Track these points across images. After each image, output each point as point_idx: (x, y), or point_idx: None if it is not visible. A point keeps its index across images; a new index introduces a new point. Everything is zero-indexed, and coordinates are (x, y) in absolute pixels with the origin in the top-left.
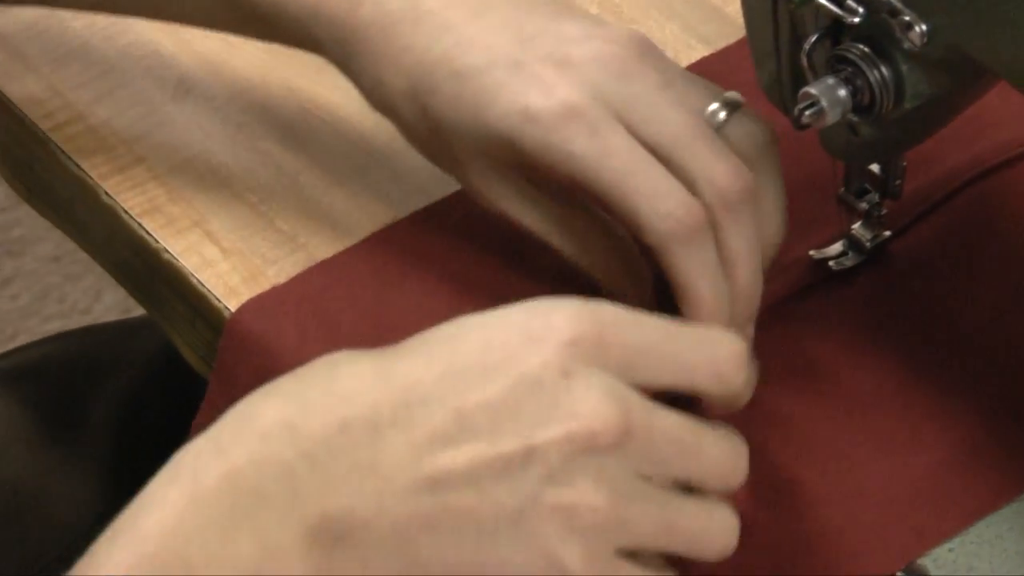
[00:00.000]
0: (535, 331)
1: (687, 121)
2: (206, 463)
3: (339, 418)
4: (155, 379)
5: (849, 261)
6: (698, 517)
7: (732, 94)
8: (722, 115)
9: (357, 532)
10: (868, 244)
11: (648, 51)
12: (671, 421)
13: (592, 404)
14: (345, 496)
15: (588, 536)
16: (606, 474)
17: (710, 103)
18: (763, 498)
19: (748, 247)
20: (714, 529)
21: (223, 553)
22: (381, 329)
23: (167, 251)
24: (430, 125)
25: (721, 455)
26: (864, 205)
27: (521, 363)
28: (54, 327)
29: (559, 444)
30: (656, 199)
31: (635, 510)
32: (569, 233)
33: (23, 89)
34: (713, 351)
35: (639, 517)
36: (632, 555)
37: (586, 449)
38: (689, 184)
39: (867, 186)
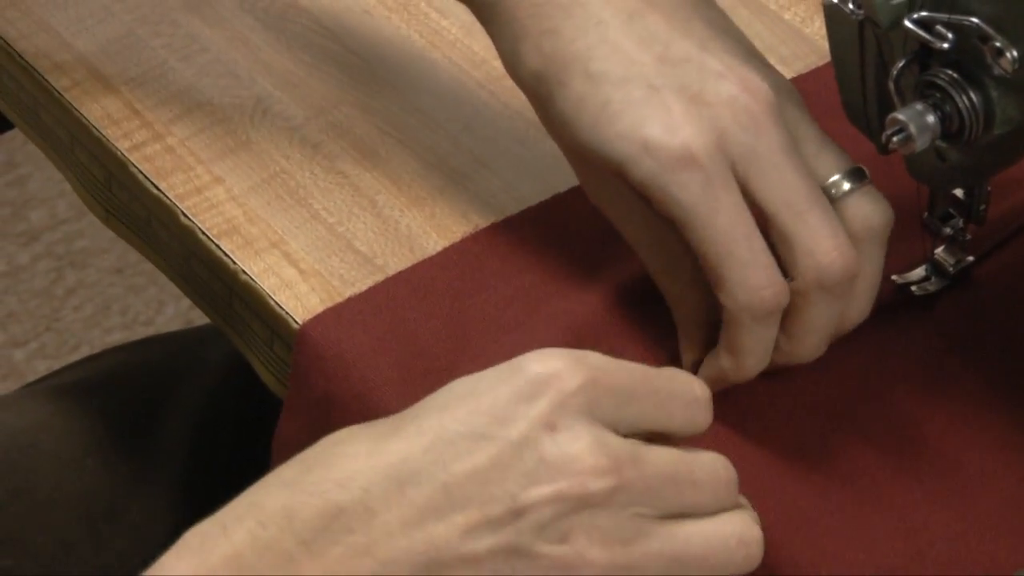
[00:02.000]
0: (522, 389)
1: (803, 188)
2: (212, 543)
3: (334, 504)
4: (228, 387)
5: (932, 286)
6: (708, 540)
7: (858, 167)
8: (845, 186)
9: None
10: (951, 269)
11: (785, 102)
12: (661, 457)
13: (580, 458)
14: None
15: None
16: (600, 525)
17: (836, 171)
18: (831, 530)
19: (824, 325)
20: (730, 546)
21: None
22: (455, 341)
23: (245, 272)
24: (551, 112)
25: (713, 478)
26: (948, 230)
27: (508, 425)
28: (116, 339)
29: (550, 502)
30: (747, 270)
31: (636, 553)
32: (660, 253)
33: (101, 109)
34: (686, 398)
35: (642, 559)
36: None
37: (578, 505)
38: (789, 252)
39: (951, 211)
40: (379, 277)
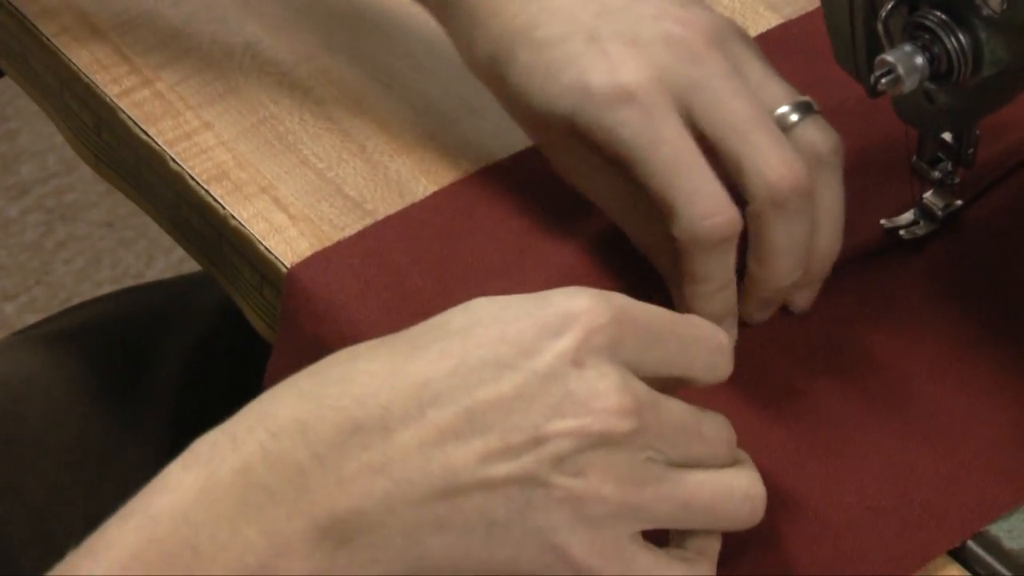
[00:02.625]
0: (549, 323)
1: (747, 111)
2: (221, 455)
3: (351, 420)
4: (218, 333)
5: (920, 230)
6: (715, 490)
7: (806, 98)
8: (793, 117)
9: (365, 533)
10: (940, 213)
11: (728, 38)
12: (675, 408)
13: (606, 396)
14: (355, 498)
15: (597, 526)
16: (616, 464)
17: (783, 102)
18: (818, 471)
19: (791, 242)
20: (735, 498)
21: (230, 544)
22: (444, 284)
23: (234, 217)
24: (506, 90)
25: (717, 435)
26: (937, 174)
27: (534, 357)
28: (107, 291)
29: (571, 435)
30: (693, 198)
31: (648, 494)
32: (628, 209)
33: (90, 55)
34: (709, 344)
35: (652, 501)
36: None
37: (598, 442)
38: (739, 175)
39: (940, 154)
40: (369, 222)
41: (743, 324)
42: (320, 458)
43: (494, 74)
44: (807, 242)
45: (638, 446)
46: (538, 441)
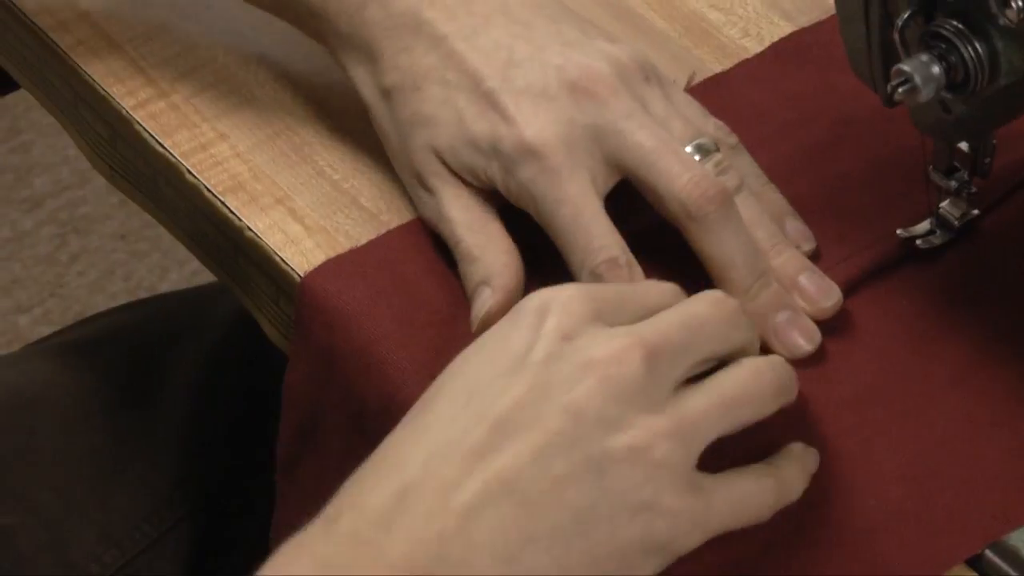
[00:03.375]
0: (529, 322)
1: (652, 142)
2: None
3: (398, 485)
4: (230, 344)
5: (937, 239)
6: (746, 381)
7: (705, 139)
8: (696, 158)
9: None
10: (956, 222)
11: (631, 77)
12: (666, 318)
13: (606, 347)
14: (431, 543)
15: (668, 464)
16: (650, 401)
17: (685, 138)
18: (840, 475)
19: (729, 250)
20: (769, 380)
21: None
22: (457, 293)
23: (250, 229)
24: (404, 115)
25: (721, 320)
26: (953, 183)
27: (530, 352)
28: (120, 304)
29: (597, 394)
30: (586, 251)
31: (692, 412)
32: (467, 243)
33: (106, 67)
34: (666, 290)
35: (699, 417)
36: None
37: (623, 388)
38: (657, 202)
39: (956, 164)
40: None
41: None
42: (382, 527)
43: (393, 100)
44: (747, 245)
45: (659, 374)
46: (573, 415)
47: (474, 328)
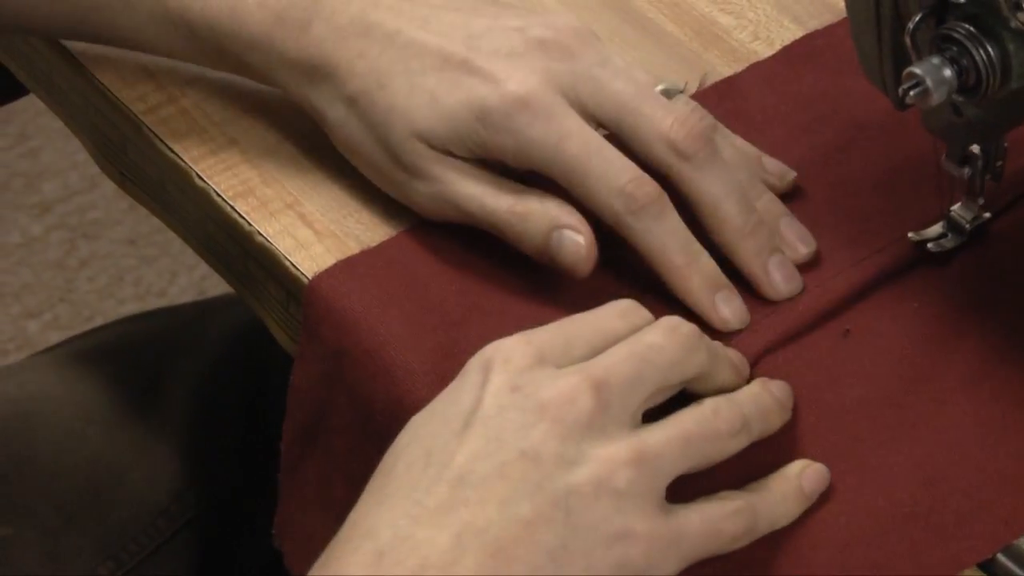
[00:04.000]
0: (475, 380)
1: (630, 88)
2: None
3: (372, 550)
4: (233, 358)
5: (949, 243)
6: (706, 418)
7: (664, 86)
8: (659, 96)
9: None
10: (968, 226)
11: (587, 34)
12: (620, 352)
13: (552, 389)
14: None
15: (634, 492)
16: (607, 435)
17: (651, 79)
18: (850, 477)
19: (721, 187)
20: (727, 418)
21: None
22: (467, 296)
23: (260, 233)
24: (380, 124)
25: (676, 348)
26: (967, 170)
27: (479, 407)
28: (130, 309)
29: (550, 436)
30: (607, 177)
31: (652, 444)
32: (503, 195)
33: (115, 72)
34: (615, 310)
35: (660, 449)
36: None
37: (574, 424)
38: (644, 147)
39: (970, 152)
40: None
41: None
42: None
43: (357, 108)
44: (737, 183)
45: (611, 407)
46: (532, 459)
47: (578, 270)
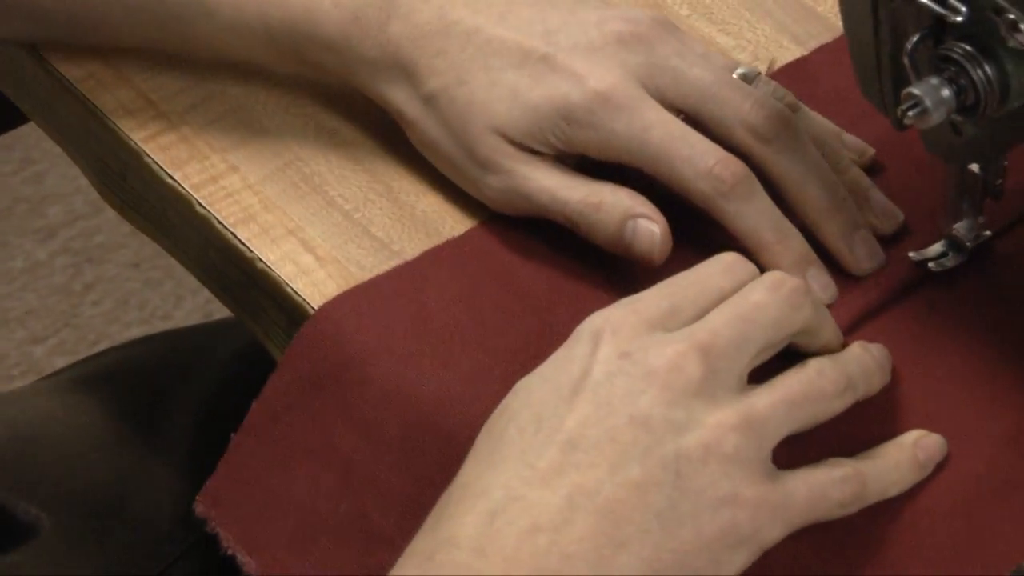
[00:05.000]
0: (585, 349)
1: (709, 75)
2: None
3: (485, 510)
4: (237, 382)
5: (950, 262)
6: (811, 379)
7: (744, 69)
8: (738, 81)
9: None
10: (969, 244)
11: (663, 23)
12: (726, 314)
13: (662, 357)
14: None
15: (741, 458)
16: (716, 398)
17: (730, 64)
18: (951, 447)
19: (805, 168)
20: (832, 379)
21: None
22: (472, 324)
23: (262, 260)
24: (458, 119)
25: (780, 304)
26: (967, 189)
27: (589, 374)
28: (135, 333)
29: (659, 401)
30: (693, 160)
31: (758, 408)
32: (581, 197)
33: (115, 100)
34: (717, 266)
35: (766, 412)
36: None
37: (683, 390)
38: (726, 132)
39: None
40: (396, 262)
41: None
42: (481, 551)
43: (437, 104)
44: (819, 162)
45: (719, 371)
46: (642, 424)
47: (653, 258)
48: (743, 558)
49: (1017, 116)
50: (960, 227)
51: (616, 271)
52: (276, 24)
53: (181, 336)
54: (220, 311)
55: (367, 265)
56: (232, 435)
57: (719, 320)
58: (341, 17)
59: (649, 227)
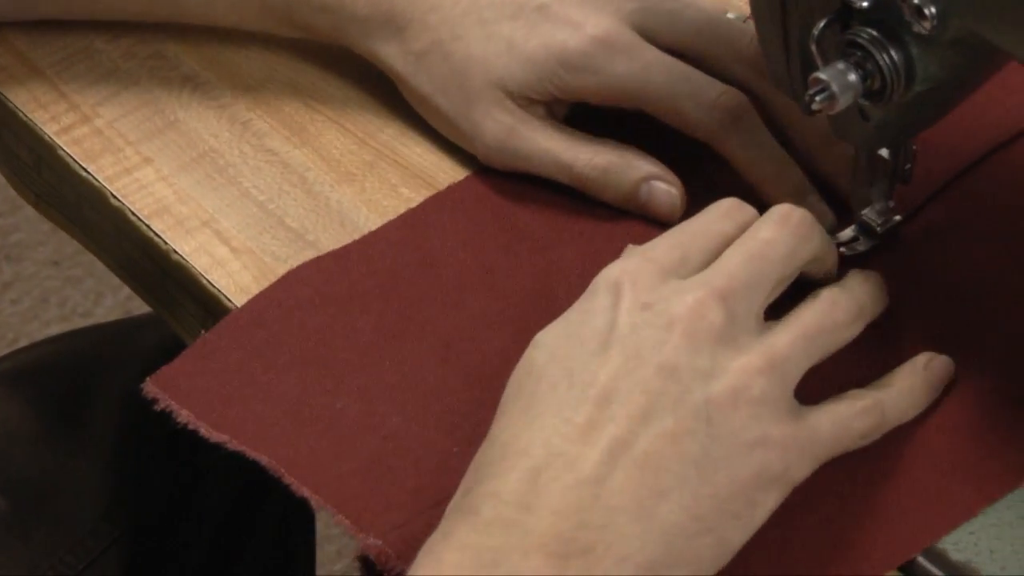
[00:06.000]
0: (605, 301)
1: (703, 16)
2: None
3: (527, 468)
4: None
5: (861, 246)
6: (824, 311)
7: (731, 14)
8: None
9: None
10: (879, 229)
11: None
12: (738, 255)
13: (683, 304)
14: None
15: (768, 399)
16: (739, 343)
17: (720, 10)
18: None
19: (793, 109)
20: (845, 307)
21: None
22: (479, 269)
23: (176, 252)
24: (454, 75)
25: (788, 238)
26: (876, 174)
27: (615, 328)
28: (55, 331)
29: (684, 350)
30: (697, 95)
31: (780, 348)
32: (577, 143)
33: (29, 93)
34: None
35: (788, 351)
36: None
37: (706, 337)
38: (724, 67)
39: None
40: (311, 253)
41: None
42: (525, 506)
43: (431, 58)
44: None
45: (739, 315)
46: (669, 372)
47: (673, 218)
48: (776, 496)
49: (923, 100)
50: (870, 212)
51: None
52: None
53: (101, 331)
54: (140, 308)
55: (282, 255)
56: (154, 429)
57: (733, 263)
58: None
59: (666, 189)
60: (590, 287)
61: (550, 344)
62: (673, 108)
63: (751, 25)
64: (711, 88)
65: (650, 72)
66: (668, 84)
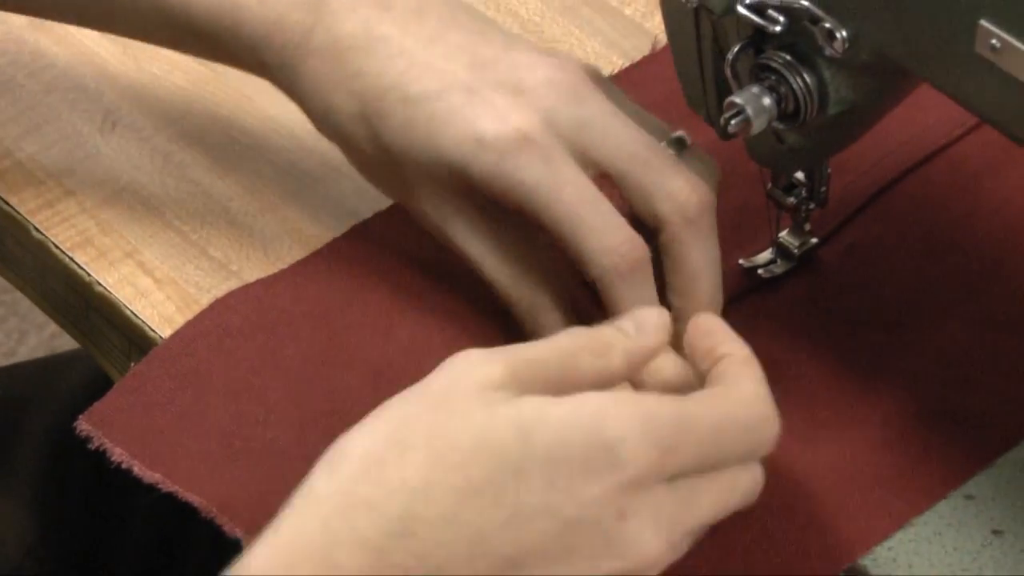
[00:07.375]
0: (595, 461)
1: (641, 140)
2: None
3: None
4: (81, 413)
5: (778, 268)
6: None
7: (680, 133)
8: (670, 152)
9: None
10: (796, 251)
11: (599, 79)
12: (705, 503)
13: (644, 547)
14: None
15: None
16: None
17: (660, 139)
18: None
19: (709, 260)
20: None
21: None
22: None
23: (100, 283)
24: (380, 150)
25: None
26: (792, 199)
27: (580, 504)
28: None
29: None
30: (601, 233)
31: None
32: (506, 262)
33: None
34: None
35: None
36: None
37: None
38: (646, 200)
39: (795, 180)
40: (235, 283)
41: None
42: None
43: (359, 134)
44: (717, 257)
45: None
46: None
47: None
48: None
49: (837, 123)
50: (787, 235)
51: None
52: (200, 12)
53: (23, 369)
54: (65, 346)
55: (205, 286)
56: (79, 468)
57: (705, 509)
58: (265, 17)
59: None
60: (600, 404)
61: (534, 437)
62: (572, 235)
63: (692, 153)
64: (619, 230)
65: (561, 190)
66: (576, 209)
